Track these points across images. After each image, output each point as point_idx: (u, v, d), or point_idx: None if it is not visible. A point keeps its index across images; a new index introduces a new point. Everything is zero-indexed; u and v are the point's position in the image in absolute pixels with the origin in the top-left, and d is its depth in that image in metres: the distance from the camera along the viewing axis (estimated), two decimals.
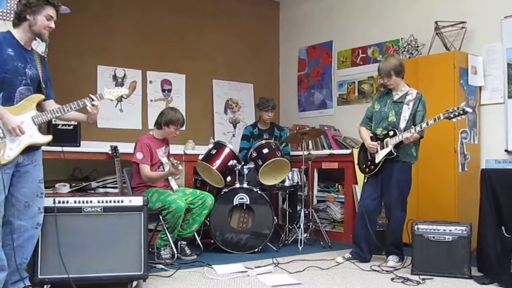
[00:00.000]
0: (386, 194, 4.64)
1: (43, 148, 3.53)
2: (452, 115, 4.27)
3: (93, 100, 3.52)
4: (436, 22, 5.50)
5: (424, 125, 4.40)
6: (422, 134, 4.53)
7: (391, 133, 4.56)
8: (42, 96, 3.43)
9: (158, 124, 5.03)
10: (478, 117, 5.42)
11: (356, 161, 5.48)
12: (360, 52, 6.74)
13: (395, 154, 4.52)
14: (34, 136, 3.37)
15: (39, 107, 3.43)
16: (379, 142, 4.61)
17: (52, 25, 3.37)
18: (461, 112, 4.25)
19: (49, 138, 3.46)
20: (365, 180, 4.75)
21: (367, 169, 4.72)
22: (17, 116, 3.27)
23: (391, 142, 4.53)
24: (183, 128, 5.22)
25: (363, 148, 4.85)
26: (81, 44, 6.04)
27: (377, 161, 4.62)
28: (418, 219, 4.46)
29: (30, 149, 3.36)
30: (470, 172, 5.20)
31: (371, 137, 4.73)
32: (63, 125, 5.21)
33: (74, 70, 5.92)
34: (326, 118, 7.06)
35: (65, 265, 3.47)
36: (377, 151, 4.63)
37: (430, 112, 4.51)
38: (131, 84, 6.37)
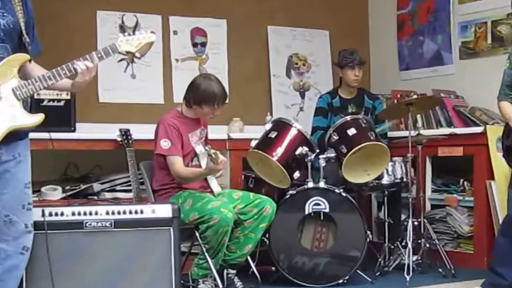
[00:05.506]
0: None
1: None
2: None
3: (87, 60, 3.50)
4: None
5: None
6: None
7: None
8: (26, 56, 3.45)
9: (187, 102, 5.04)
10: None
11: (492, 147, 5.40)
12: None
13: None
14: (18, 117, 3.36)
15: (22, 72, 3.46)
16: None
17: None
18: None
19: (39, 117, 3.41)
20: None
21: None
22: None
23: None
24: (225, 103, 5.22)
25: (509, 131, 4.76)
26: None
27: None
28: None
29: (11, 139, 3.39)
30: None
31: None
32: (49, 100, 5.24)
33: (64, 19, 6.02)
34: (443, 80, 6.98)
35: None
36: None
37: None
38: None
